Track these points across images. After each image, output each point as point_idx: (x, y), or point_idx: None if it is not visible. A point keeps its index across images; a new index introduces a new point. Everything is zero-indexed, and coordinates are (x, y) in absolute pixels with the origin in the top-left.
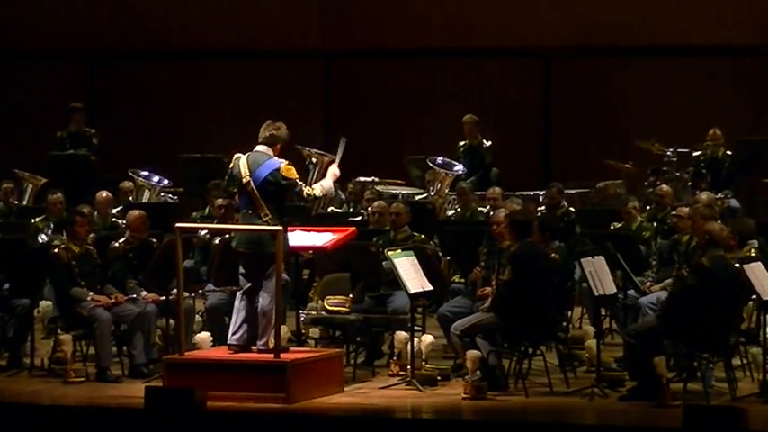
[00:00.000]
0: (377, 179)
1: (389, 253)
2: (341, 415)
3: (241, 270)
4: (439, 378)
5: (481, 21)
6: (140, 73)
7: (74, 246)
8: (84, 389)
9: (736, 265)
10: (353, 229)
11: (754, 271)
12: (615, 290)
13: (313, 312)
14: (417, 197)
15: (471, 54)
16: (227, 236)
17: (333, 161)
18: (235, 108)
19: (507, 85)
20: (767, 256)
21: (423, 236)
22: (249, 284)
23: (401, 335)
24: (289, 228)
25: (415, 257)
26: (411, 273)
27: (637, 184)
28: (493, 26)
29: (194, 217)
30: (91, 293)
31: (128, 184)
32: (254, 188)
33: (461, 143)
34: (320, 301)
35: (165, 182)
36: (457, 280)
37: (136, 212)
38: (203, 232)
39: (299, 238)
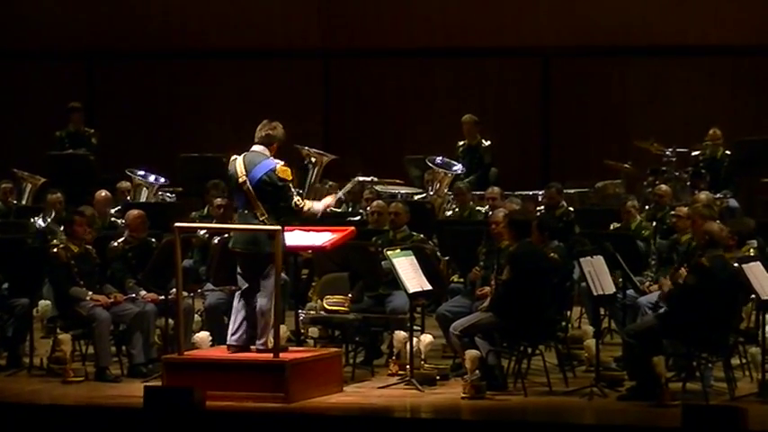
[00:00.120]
0: (376, 179)
1: (388, 253)
2: (340, 414)
3: (238, 270)
4: (438, 378)
5: (481, 21)
6: (139, 73)
7: (73, 245)
8: (83, 388)
9: (736, 264)
10: (352, 228)
11: (754, 271)
12: (614, 290)
13: (312, 312)
14: (416, 197)
15: (471, 54)
16: (226, 235)
17: (334, 191)
18: (234, 108)
19: (506, 85)
20: (766, 256)
21: (422, 235)
22: (246, 285)
23: (400, 334)
24: (288, 227)
25: (414, 257)
26: (410, 272)
27: (636, 184)
28: (492, 26)
29: (193, 217)
30: (90, 293)
31: (125, 184)
32: (250, 188)
33: (460, 143)
34: (319, 301)
35: (162, 180)
36: (456, 280)
37: (135, 212)
38: (202, 232)
39: (298, 237)
